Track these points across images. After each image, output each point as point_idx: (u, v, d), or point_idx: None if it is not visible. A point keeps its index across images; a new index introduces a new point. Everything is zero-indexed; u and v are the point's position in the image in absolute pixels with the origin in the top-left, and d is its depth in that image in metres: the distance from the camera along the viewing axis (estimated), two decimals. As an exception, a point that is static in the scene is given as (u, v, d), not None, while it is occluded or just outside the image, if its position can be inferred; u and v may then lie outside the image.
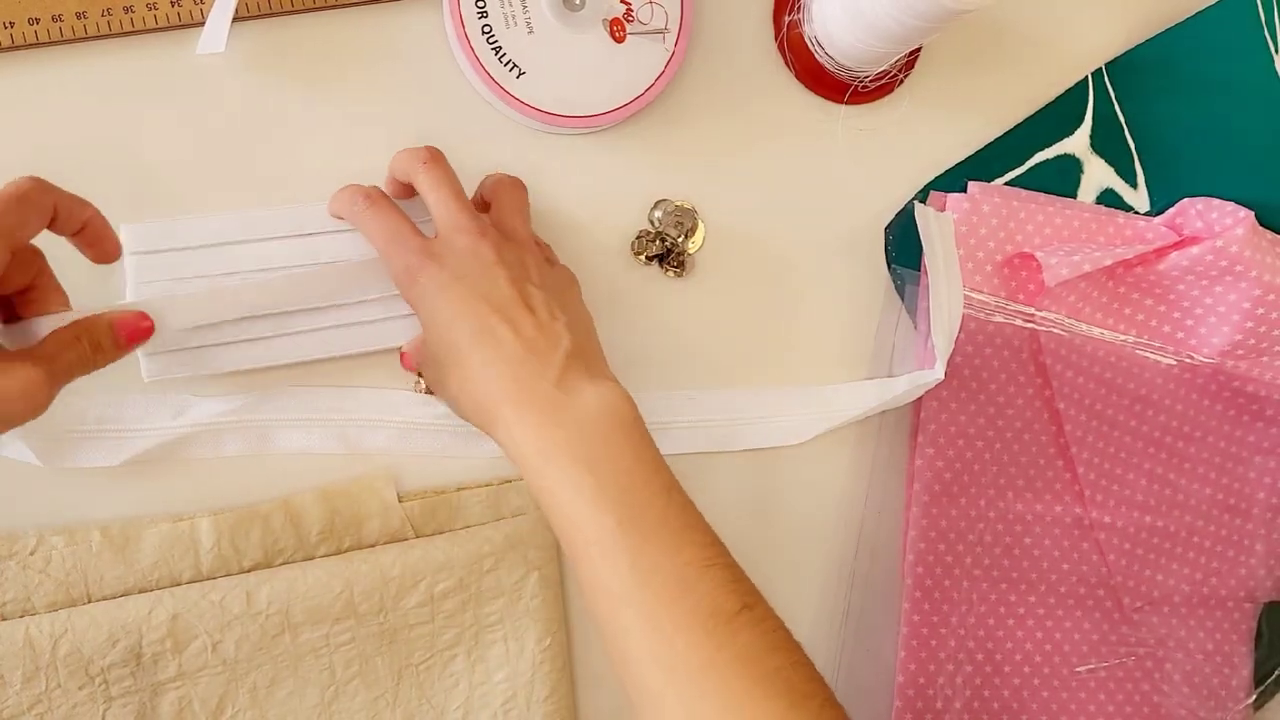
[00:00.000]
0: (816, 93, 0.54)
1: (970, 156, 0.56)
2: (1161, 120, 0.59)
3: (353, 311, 0.47)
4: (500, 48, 0.48)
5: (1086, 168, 0.58)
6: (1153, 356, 0.57)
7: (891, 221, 0.56)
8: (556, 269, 0.46)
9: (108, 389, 0.46)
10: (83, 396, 0.45)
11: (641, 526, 0.37)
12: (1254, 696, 0.61)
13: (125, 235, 0.44)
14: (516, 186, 0.47)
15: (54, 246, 0.38)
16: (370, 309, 0.47)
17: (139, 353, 0.44)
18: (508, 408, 0.40)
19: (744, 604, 0.37)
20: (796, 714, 0.34)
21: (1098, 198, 0.58)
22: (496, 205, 0.46)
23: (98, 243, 0.39)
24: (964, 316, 0.53)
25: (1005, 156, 0.57)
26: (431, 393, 0.48)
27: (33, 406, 0.36)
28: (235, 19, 0.45)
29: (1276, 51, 0.59)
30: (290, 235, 0.46)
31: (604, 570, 0.37)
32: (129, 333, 0.39)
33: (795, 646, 0.37)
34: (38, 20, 0.44)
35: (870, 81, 0.53)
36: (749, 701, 0.34)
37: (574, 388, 0.40)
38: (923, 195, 0.56)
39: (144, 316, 0.40)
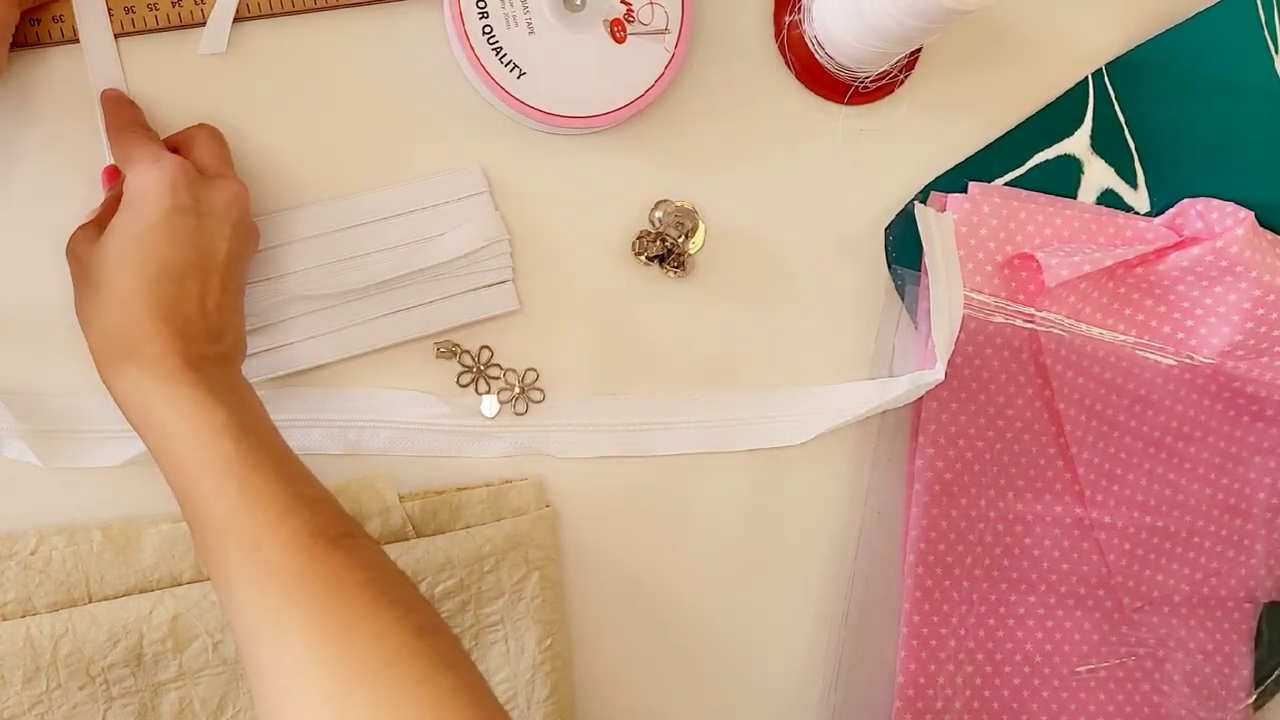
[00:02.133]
0: (817, 93, 0.54)
1: (970, 157, 0.56)
2: (1162, 121, 0.59)
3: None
4: (501, 48, 0.48)
5: (1087, 168, 0.58)
6: (1153, 357, 0.57)
7: (892, 222, 0.56)
8: (248, 252, 0.45)
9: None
10: (83, 397, 0.45)
11: (258, 457, 0.37)
12: (1254, 696, 0.61)
13: None
14: (213, 135, 0.45)
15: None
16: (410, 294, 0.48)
17: None
18: (160, 331, 0.38)
19: (346, 531, 0.37)
20: (382, 613, 0.34)
21: (1098, 198, 0.58)
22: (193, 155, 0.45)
23: None
24: (964, 317, 0.53)
25: (1005, 157, 0.57)
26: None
27: None
28: (236, 19, 0.45)
29: (1277, 52, 0.59)
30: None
31: (212, 496, 0.37)
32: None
33: (391, 566, 0.37)
34: (39, 20, 0.44)
35: (871, 82, 0.53)
36: (335, 608, 0.34)
37: (217, 365, 0.40)
38: (923, 195, 0.56)
39: None
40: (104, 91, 0.45)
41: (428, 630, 0.35)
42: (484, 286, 0.50)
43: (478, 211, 0.49)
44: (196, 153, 0.43)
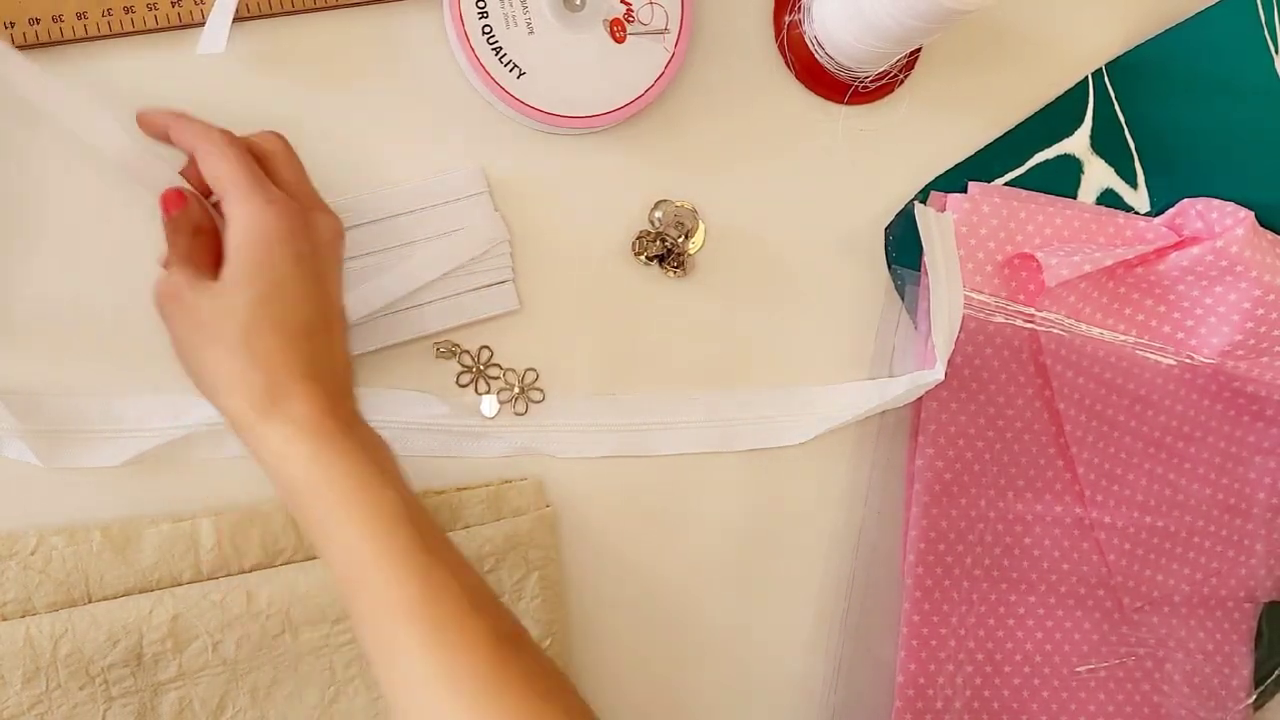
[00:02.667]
0: (817, 93, 0.54)
1: (970, 157, 0.56)
2: (1162, 120, 0.59)
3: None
4: (500, 48, 0.48)
5: (1087, 168, 0.58)
6: (1153, 357, 0.57)
7: (892, 222, 0.56)
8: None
9: (108, 389, 0.46)
10: (83, 397, 0.45)
11: (433, 544, 0.36)
12: (1254, 697, 0.61)
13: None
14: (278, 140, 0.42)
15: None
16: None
17: None
18: (314, 392, 0.37)
19: (520, 631, 0.37)
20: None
21: (1098, 198, 0.58)
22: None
23: None
24: (964, 317, 0.53)
25: (1005, 157, 0.57)
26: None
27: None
28: (235, 19, 0.45)
29: (1277, 52, 0.59)
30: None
31: (393, 586, 0.35)
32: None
33: (562, 672, 0.38)
34: (38, 20, 0.44)
35: (870, 82, 0.53)
36: (534, 714, 0.34)
37: (362, 421, 0.39)
38: (923, 195, 0.56)
39: None
40: (165, 113, 0.41)
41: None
42: (484, 286, 0.50)
43: (478, 212, 0.49)
44: (282, 178, 0.41)
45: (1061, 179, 0.57)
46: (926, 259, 0.53)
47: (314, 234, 0.39)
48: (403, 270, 0.48)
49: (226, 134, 0.40)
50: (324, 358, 0.38)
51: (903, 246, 0.55)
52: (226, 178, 0.38)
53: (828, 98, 0.54)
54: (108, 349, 0.46)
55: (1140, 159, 0.59)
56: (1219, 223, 0.55)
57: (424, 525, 0.37)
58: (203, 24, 0.45)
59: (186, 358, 0.39)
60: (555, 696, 0.35)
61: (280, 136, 0.42)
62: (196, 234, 0.40)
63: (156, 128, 0.41)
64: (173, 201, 0.40)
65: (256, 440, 0.37)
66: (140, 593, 0.45)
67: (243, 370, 0.37)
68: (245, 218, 0.38)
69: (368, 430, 0.39)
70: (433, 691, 0.34)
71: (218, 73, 0.47)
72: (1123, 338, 0.57)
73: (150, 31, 0.46)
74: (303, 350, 0.37)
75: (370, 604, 0.36)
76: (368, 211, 0.48)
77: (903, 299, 0.55)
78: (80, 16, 0.44)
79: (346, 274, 0.44)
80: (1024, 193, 0.56)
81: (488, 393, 0.50)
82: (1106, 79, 0.58)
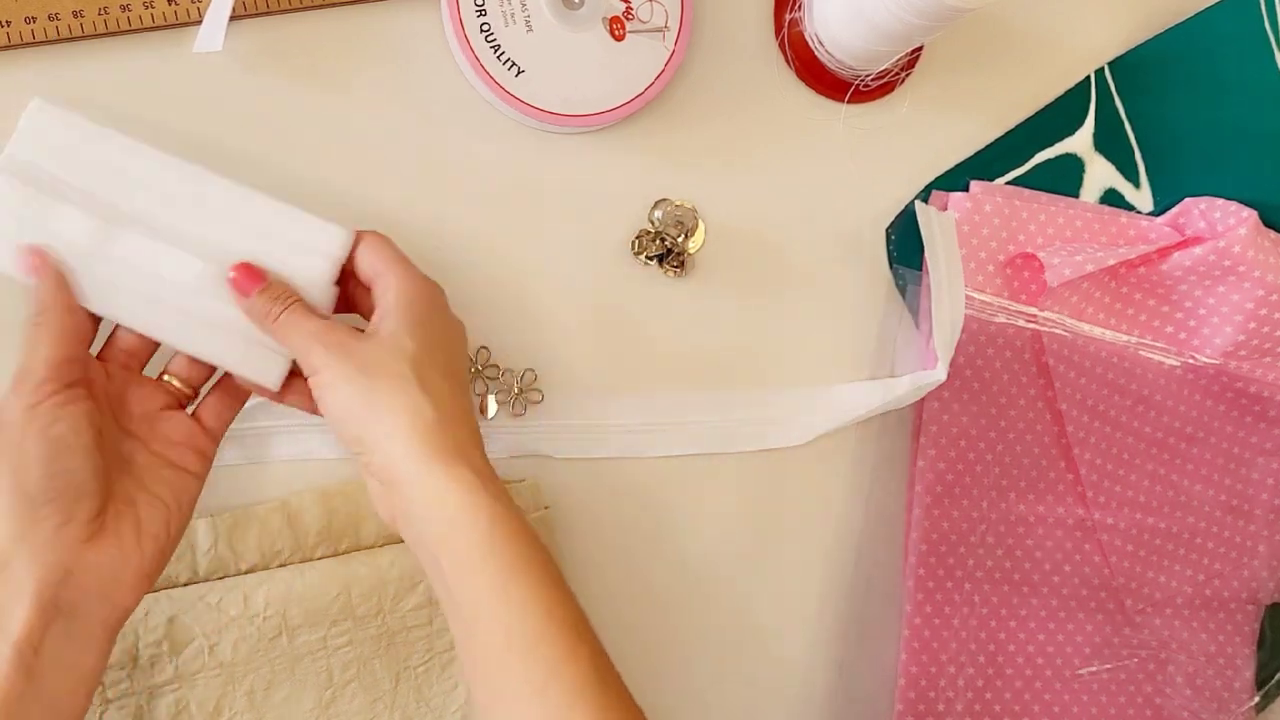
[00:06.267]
0: (817, 92, 0.54)
1: (972, 156, 0.56)
2: (1164, 119, 0.58)
3: None
4: (499, 46, 0.48)
5: (1089, 167, 0.58)
6: (1155, 357, 0.57)
7: (893, 221, 0.55)
8: None
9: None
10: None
11: (554, 576, 0.38)
12: (1257, 699, 0.60)
13: (33, 105, 0.41)
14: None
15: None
16: None
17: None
18: (477, 440, 0.39)
19: (608, 664, 0.39)
20: None
21: (1100, 197, 0.58)
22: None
23: None
24: (966, 317, 0.53)
25: (1007, 156, 0.57)
26: None
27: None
28: (233, 17, 0.45)
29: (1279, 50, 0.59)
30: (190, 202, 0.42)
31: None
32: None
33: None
34: (34, 19, 0.44)
35: (871, 80, 0.53)
36: None
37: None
38: (924, 195, 0.56)
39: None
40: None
41: None
42: (257, 344, 0.42)
43: (316, 274, 0.43)
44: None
45: (1064, 178, 0.57)
46: (928, 258, 0.53)
47: (442, 299, 0.43)
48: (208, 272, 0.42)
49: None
50: (472, 412, 0.40)
51: (904, 246, 0.55)
52: (391, 257, 0.42)
53: (829, 96, 0.54)
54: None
55: (1143, 158, 0.58)
56: (1222, 222, 0.55)
57: (546, 559, 0.38)
58: (199, 22, 0.45)
59: (344, 395, 0.39)
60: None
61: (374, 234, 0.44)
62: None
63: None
64: (247, 278, 0.41)
65: (416, 472, 0.37)
66: (136, 594, 0.45)
67: (415, 403, 0.38)
68: (408, 281, 0.41)
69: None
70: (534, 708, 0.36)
71: (215, 71, 0.46)
72: (1125, 338, 0.57)
73: (147, 30, 0.45)
74: (467, 401, 0.40)
75: (494, 638, 0.37)
76: (238, 211, 0.43)
77: (904, 299, 0.55)
78: (76, 15, 0.44)
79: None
80: (1026, 192, 0.56)
81: (486, 393, 0.50)
82: (1109, 77, 0.58)
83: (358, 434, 0.39)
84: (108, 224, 0.41)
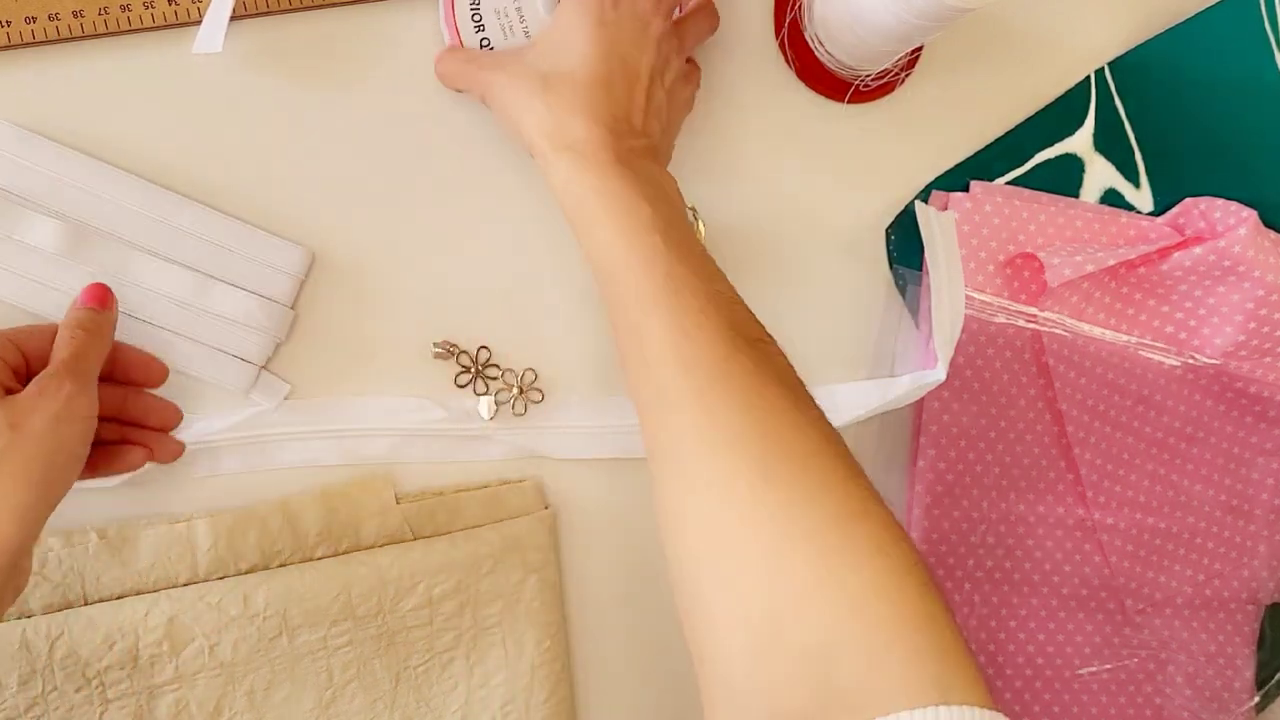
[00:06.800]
0: (818, 91, 0.54)
1: (972, 156, 0.56)
2: (1164, 119, 0.58)
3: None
4: (494, 48, 0.48)
5: (1089, 167, 0.58)
6: (1155, 357, 0.57)
7: (893, 221, 0.55)
8: (686, 89, 0.49)
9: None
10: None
11: (681, 252, 0.40)
12: (1257, 699, 0.60)
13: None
14: (711, 15, 0.50)
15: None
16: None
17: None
18: (593, 129, 0.43)
19: (763, 336, 0.39)
20: (802, 413, 0.36)
21: (1100, 197, 0.58)
22: (687, 14, 0.49)
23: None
24: (966, 317, 0.53)
25: (1007, 156, 0.57)
26: None
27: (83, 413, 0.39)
28: (232, 18, 0.45)
29: (1279, 50, 0.59)
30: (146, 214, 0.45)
31: (642, 278, 0.39)
32: (97, 297, 0.42)
33: (798, 378, 0.39)
34: (34, 19, 0.44)
35: (871, 80, 0.53)
36: (759, 397, 0.36)
37: (643, 158, 0.44)
38: (924, 195, 0.55)
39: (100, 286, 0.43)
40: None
41: (837, 438, 0.36)
42: (229, 354, 0.46)
43: (278, 291, 0.47)
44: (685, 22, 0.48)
45: (1064, 178, 0.57)
46: (928, 258, 0.53)
47: (624, 5, 0.45)
48: (187, 286, 0.46)
49: None
50: (615, 106, 0.44)
51: (904, 246, 0.55)
52: None
53: (829, 96, 0.54)
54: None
55: (1143, 158, 0.58)
56: (1222, 222, 0.55)
57: (676, 238, 0.41)
58: (199, 22, 0.45)
59: (505, 102, 0.45)
60: (790, 391, 0.37)
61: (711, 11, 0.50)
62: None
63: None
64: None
65: (546, 165, 0.43)
66: (137, 594, 0.45)
67: (538, 110, 0.44)
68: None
69: (648, 167, 0.44)
70: (668, 370, 0.37)
71: (215, 71, 0.46)
72: (1125, 338, 0.57)
73: (147, 30, 0.45)
74: (590, 97, 0.43)
75: (619, 291, 0.40)
76: (211, 228, 0.46)
77: (904, 299, 0.55)
78: (76, 15, 0.44)
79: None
80: (1026, 192, 0.56)
81: (486, 394, 0.50)
82: (1109, 78, 0.58)
83: (511, 128, 0.45)
84: (77, 233, 0.43)
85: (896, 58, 0.51)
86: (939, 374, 0.52)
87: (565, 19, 0.45)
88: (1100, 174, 0.58)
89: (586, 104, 0.43)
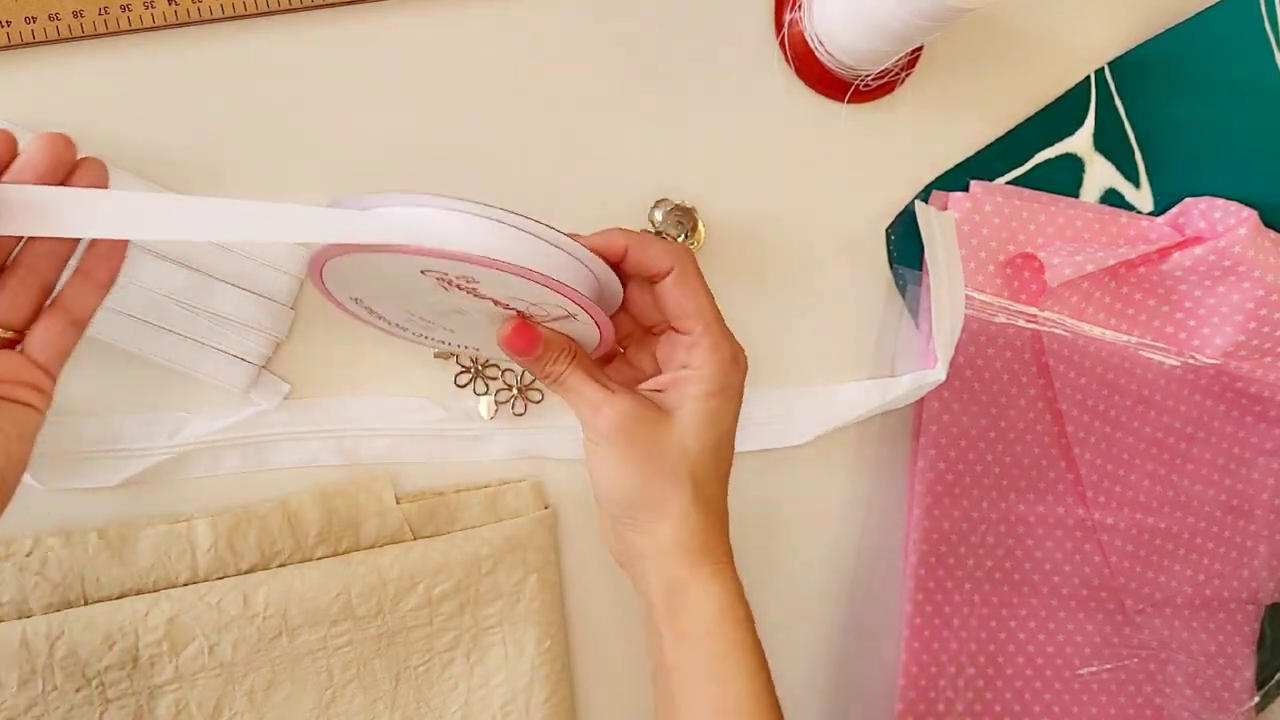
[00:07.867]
0: (818, 91, 0.54)
1: (972, 156, 0.56)
2: (1164, 119, 0.58)
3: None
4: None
5: (1089, 167, 0.58)
6: (1155, 357, 0.57)
7: (893, 221, 0.55)
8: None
9: (105, 410, 0.45)
10: (80, 416, 0.45)
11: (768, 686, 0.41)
12: (1257, 699, 0.60)
13: None
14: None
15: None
16: None
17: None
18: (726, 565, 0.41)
19: None
20: None
21: (1100, 197, 0.58)
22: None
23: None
24: (966, 317, 0.53)
25: (1007, 156, 0.57)
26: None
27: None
28: (231, 18, 0.45)
29: (1279, 50, 0.59)
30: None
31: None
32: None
33: None
34: (34, 19, 0.44)
35: (872, 80, 0.53)
36: None
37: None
38: (924, 195, 0.55)
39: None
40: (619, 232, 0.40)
41: None
42: (229, 354, 0.46)
43: (277, 289, 0.46)
44: (704, 302, 0.40)
45: (1064, 178, 0.57)
46: (928, 258, 0.53)
47: (744, 380, 0.41)
48: (186, 286, 0.45)
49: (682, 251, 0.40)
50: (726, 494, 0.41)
51: (904, 246, 0.55)
52: (709, 314, 0.40)
53: (829, 96, 0.54)
54: (104, 368, 0.45)
55: (1143, 158, 0.58)
56: (1222, 222, 0.55)
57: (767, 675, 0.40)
58: (199, 22, 0.45)
59: (622, 475, 0.40)
60: None
61: (687, 250, 0.41)
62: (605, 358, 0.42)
63: (617, 249, 0.40)
64: (520, 336, 0.39)
65: (676, 571, 0.40)
66: (136, 594, 0.45)
67: (686, 508, 0.39)
68: (716, 366, 0.39)
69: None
70: None
71: (214, 71, 0.46)
72: (1125, 338, 0.57)
73: (147, 30, 0.45)
74: (725, 484, 0.41)
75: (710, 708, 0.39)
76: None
77: (904, 299, 0.55)
78: (76, 15, 0.44)
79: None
80: (1026, 192, 0.56)
81: (486, 394, 0.50)
82: (1109, 77, 0.58)
83: (619, 511, 0.40)
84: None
85: (896, 58, 0.51)
86: (939, 374, 0.52)
87: (717, 402, 0.41)
88: (1100, 174, 0.58)
89: (724, 507, 0.42)
